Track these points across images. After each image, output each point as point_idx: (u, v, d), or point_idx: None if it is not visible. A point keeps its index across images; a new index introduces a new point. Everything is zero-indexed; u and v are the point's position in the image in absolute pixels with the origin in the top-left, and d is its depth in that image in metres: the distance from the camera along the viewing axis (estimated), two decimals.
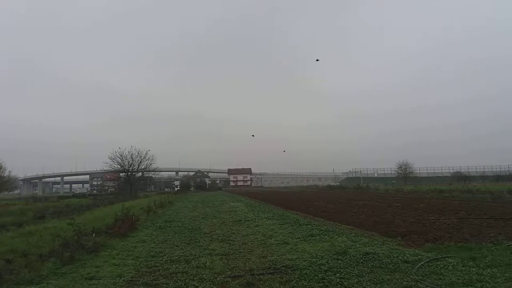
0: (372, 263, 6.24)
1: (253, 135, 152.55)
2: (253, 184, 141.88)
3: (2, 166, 59.05)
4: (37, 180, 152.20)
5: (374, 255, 6.82)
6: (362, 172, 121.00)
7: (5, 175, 62.81)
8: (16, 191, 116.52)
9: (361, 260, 6.49)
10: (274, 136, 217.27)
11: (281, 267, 6.27)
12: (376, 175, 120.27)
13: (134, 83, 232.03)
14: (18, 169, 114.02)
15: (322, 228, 10.94)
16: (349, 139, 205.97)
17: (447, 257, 6.53)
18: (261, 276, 5.68)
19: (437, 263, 6.12)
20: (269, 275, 5.73)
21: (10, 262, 6.81)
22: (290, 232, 10.43)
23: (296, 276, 5.57)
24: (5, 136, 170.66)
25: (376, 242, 8.38)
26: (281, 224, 12.48)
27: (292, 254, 7.32)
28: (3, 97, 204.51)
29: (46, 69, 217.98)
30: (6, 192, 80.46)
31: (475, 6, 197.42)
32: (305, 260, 6.67)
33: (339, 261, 6.49)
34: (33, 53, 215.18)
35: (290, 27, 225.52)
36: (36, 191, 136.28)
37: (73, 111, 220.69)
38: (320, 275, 5.59)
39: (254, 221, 13.87)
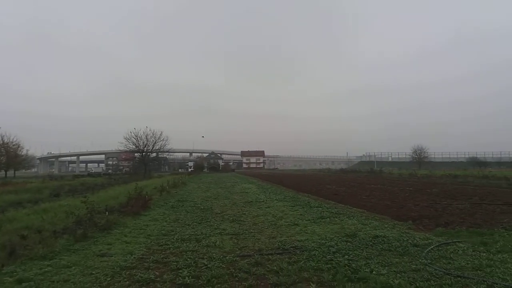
0: (381, 246, 6.26)
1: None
2: (265, 167, 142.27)
3: (20, 145, 59.43)
4: (53, 159, 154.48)
5: (383, 238, 6.86)
6: (376, 156, 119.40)
7: (22, 153, 62.78)
8: (33, 170, 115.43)
9: (370, 243, 6.52)
10: (286, 116, 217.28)
11: (289, 247, 6.33)
12: (390, 159, 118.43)
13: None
14: (36, 146, 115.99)
15: (332, 211, 10.99)
16: (361, 117, 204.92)
17: (458, 241, 6.51)
18: (270, 256, 5.75)
19: (447, 247, 6.11)
20: (278, 255, 5.80)
21: (25, 238, 6.88)
22: (301, 214, 10.51)
23: (304, 257, 5.62)
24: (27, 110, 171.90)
25: (386, 226, 8.40)
26: (292, 206, 12.57)
27: (301, 236, 7.39)
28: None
29: None
30: (24, 171, 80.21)
31: None
32: (314, 242, 6.72)
33: (348, 243, 6.52)
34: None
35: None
36: (53, 170, 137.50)
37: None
38: (329, 256, 5.63)
39: (265, 203, 13.98)
